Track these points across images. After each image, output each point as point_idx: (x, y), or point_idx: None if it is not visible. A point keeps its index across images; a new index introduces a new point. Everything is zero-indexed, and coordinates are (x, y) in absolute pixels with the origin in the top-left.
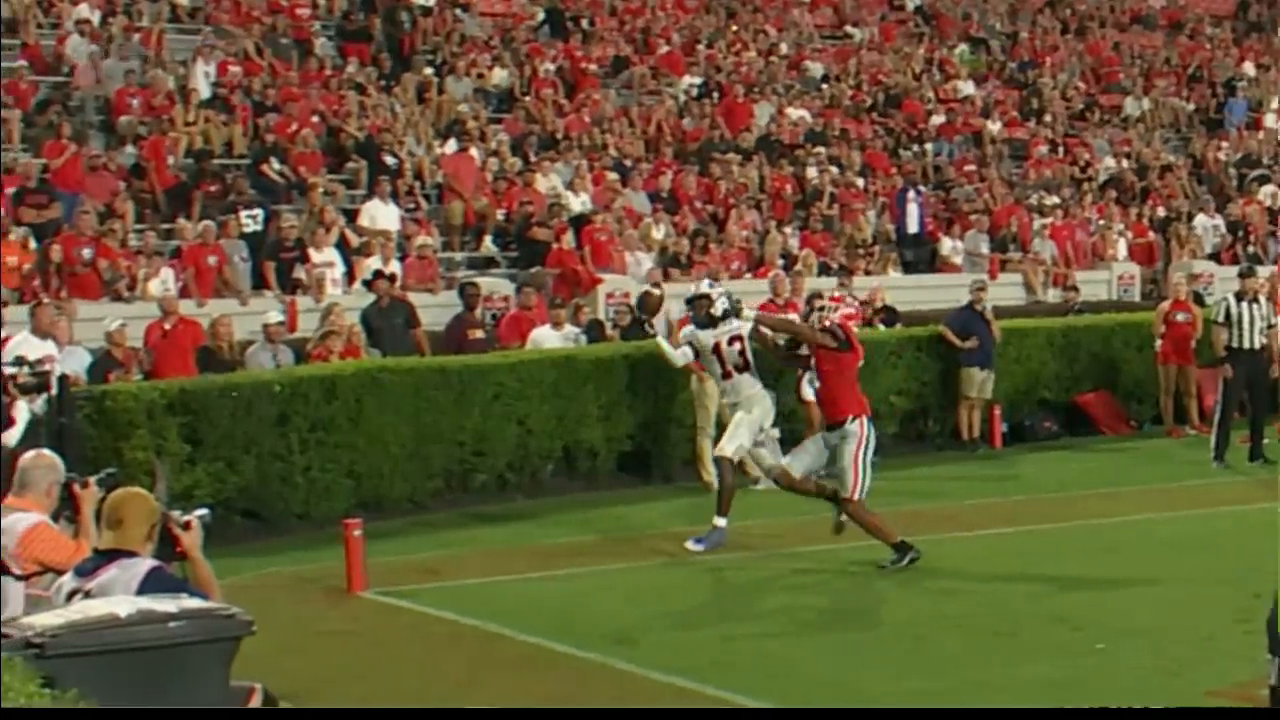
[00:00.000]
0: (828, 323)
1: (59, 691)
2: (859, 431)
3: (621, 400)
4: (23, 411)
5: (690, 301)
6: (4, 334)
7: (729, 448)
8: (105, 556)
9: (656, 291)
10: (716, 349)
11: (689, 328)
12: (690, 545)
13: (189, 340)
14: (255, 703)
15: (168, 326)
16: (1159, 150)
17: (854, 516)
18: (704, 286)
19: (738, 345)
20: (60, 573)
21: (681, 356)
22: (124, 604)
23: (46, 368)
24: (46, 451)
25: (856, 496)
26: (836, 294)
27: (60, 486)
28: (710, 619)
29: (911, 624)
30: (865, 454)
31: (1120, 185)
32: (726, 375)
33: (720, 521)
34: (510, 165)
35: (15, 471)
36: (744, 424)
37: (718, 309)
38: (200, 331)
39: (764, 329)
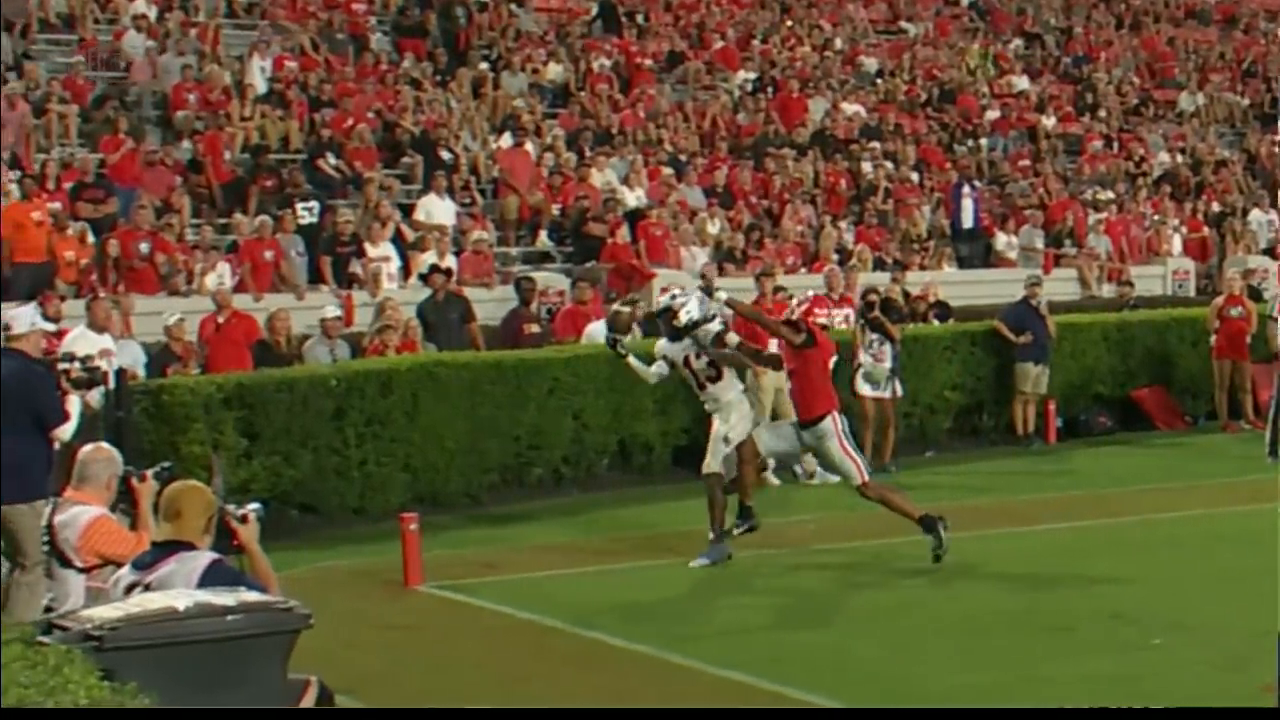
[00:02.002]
0: (793, 316)
1: (118, 684)
2: (833, 427)
3: (676, 394)
4: (74, 406)
5: (659, 315)
6: (61, 327)
7: (714, 464)
8: (164, 549)
9: (626, 310)
10: (686, 362)
11: (662, 342)
12: (695, 564)
13: (242, 334)
14: (310, 695)
15: (221, 320)
16: (1213, 145)
17: (875, 499)
18: (666, 300)
19: (705, 357)
20: (120, 565)
21: (656, 373)
22: (182, 597)
23: (98, 363)
24: (105, 445)
25: (866, 479)
26: (812, 292)
27: (119, 480)
28: (763, 614)
29: (966, 618)
30: (849, 441)
31: (1175, 180)
32: (701, 386)
33: (732, 530)
34: (565, 160)
35: (74, 465)
36: (731, 439)
37: (682, 320)
38: (254, 326)
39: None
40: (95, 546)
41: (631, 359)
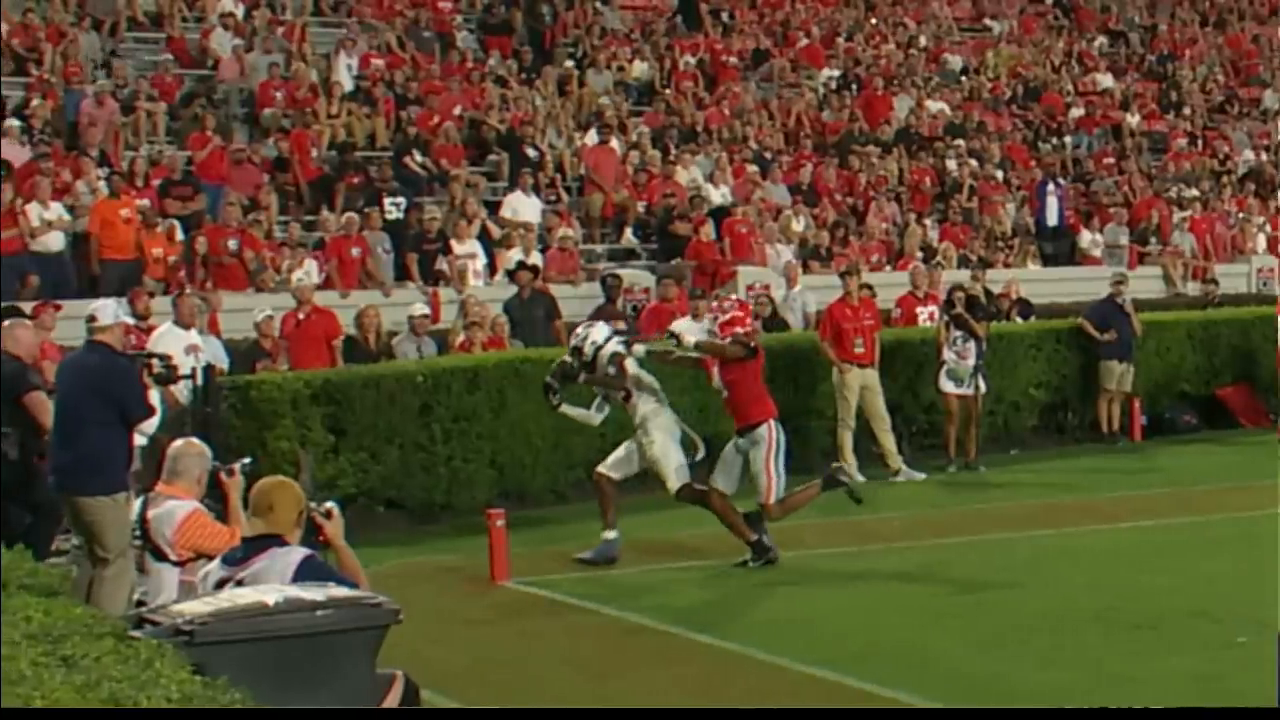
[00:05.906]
0: (737, 330)
1: (208, 679)
2: (768, 436)
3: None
4: (154, 401)
5: (572, 357)
6: (150, 323)
7: (674, 483)
8: (255, 544)
9: (572, 360)
10: (606, 397)
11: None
12: (750, 563)
13: (322, 330)
14: (396, 690)
15: (301, 316)
16: None
17: (779, 517)
18: (574, 342)
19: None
20: (212, 559)
21: (596, 414)
22: (272, 592)
23: (181, 359)
24: (195, 439)
25: (772, 501)
26: (735, 298)
27: (208, 474)
28: (848, 610)
29: (1050, 616)
30: (776, 458)
31: (1260, 178)
32: (624, 408)
33: (763, 539)
34: (650, 158)
35: (164, 459)
36: (661, 456)
37: (588, 355)
38: (334, 322)
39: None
40: (191, 540)
41: (565, 407)
